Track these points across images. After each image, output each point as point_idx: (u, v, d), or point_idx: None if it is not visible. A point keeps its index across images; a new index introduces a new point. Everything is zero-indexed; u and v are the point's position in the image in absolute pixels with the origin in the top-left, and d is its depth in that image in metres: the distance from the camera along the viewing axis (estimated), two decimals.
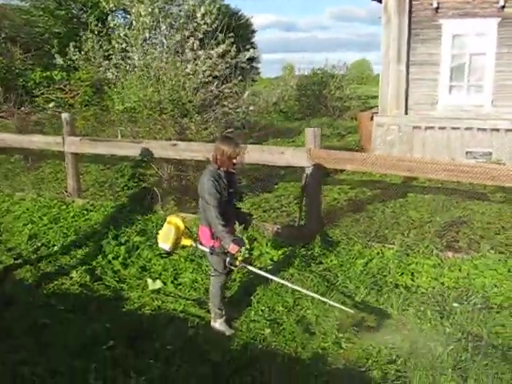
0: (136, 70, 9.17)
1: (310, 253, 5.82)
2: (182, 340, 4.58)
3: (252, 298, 5.18)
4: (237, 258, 4.53)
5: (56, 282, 5.73)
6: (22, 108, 10.84)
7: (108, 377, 4.11)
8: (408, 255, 5.52)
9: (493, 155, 9.60)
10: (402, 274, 5.34)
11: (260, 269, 5.14)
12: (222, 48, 10.87)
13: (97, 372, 4.13)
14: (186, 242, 4.71)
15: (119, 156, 7.88)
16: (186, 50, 10.34)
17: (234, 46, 11.08)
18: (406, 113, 10.21)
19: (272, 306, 5.03)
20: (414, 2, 9.93)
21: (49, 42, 12.34)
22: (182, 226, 4.68)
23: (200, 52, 10.57)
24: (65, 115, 7.46)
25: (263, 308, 4.98)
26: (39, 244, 6.62)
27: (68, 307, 5.24)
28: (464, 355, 4.00)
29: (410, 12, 9.95)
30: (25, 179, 8.90)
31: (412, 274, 5.34)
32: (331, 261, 5.68)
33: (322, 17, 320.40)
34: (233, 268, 4.58)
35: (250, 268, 4.79)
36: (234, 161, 4.47)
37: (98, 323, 4.86)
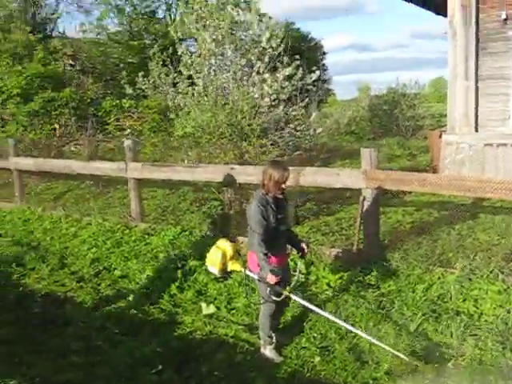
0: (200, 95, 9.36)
1: (367, 278, 5.61)
2: (230, 366, 4.53)
3: (305, 324, 5.04)
4: (285, 287, 4.43)
5: (113, 306, 5.83)
6: (95, 136, 11.31)
7: None
8: (471, 280, 5.19)
9: None
10: (465, 300, 5.00)
11: (309, 299, 5.00)
12: (287, 71, 10.88)
13: None
14: (234, 266, 4.69)
15: (183, 180, 8.03)
16: (253, 74, 10.42)
17: (301, 68, 11.06)
18: (477, 130, 9.76)
19: (324, 332, 4.86)
20: (481, 15, 9.53)
21: (121, 72, 12.81)
22: (229, 251, 4.65)
23: (266, 75, 10.62)
24: (127, 142, 7.69)
25: (315, 335, 4.82)
26: (101, 268, 6.80)
27: (122, 330, 5.32)
28: None
29: (477, 24, 9.56)
30: (93, 204, 9.20)
31: (475, 300, 4.99)
32: (389, 286, 5.43)
33: (400, 36, 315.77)
34: (275, 298, 4.44)
35: (296, 298, 4.61)
36: (283, 186, 4.36)
37: (149, 346, 4.89)
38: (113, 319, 5.56)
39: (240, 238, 6.46)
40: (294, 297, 4.54)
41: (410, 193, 8.79)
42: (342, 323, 4.56)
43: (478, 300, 5.01)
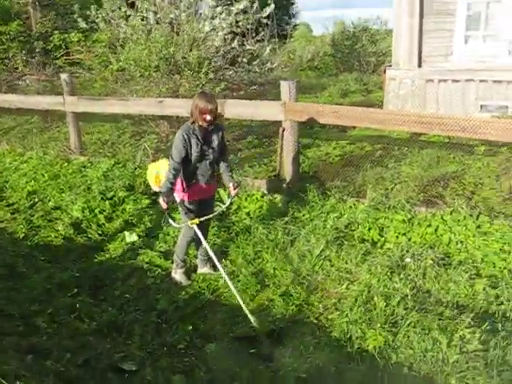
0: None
1: (285, 207, 5.84)
2: (140, 289, 4.77)
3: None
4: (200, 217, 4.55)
5: (43, 235, 6.01)
6: (45, 70, 11.16)
7: (60, 321, 4.36)
8: (379, 209, 5.44)
9: (509, 109, 9.14)
10: (370, 228, 5.27)
11: (228, 227, 5.24)
12: (242, 4, 10.72)
13: (51, 315, 4.40)
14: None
15: (123, 114, 8.05)
16: (203, 6, 10.23)
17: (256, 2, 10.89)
18: (420, 66, 9.83)
19: (234, 258, 5.12)
20: None
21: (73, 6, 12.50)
22: (163, 169, 4.67)
23: (218, 8, 10.46)
24: (64, 76, 7.67)
25: (224, 261, 5.06)
26: (36, 200, 6.92)
27: (48, 258, 5.53)
28: (401, 311, 3.96)
29: None
30: (36, 139, 9.22)
31: (381, 229, 5.26)
32: (303, 215, 5.68)
33: None
34: (174, 225, 4.65)
35: (196, 231, 4.55)
36: (208, 117, 4.37)
37: (69, 272, 5.12)
38: (40, 248, 5.75)
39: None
40: (196, 229, 4.55)
41: (355, 128, 8.93)
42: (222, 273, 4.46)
43: (384, 228, 5.27)
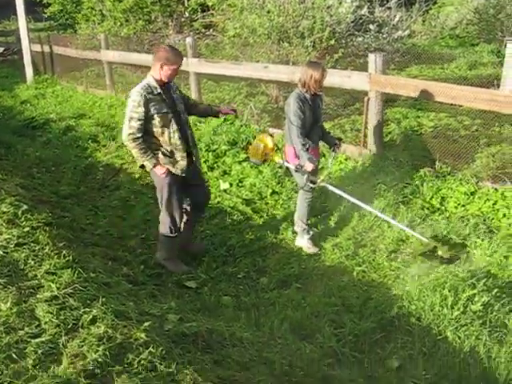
0: None
1: (362, 171, 6.34)
2: (220, 228, 5.64)
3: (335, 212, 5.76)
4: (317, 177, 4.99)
5: None
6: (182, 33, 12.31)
7: (149, 244, 5.37)
8: (445, 181, 5.75)
9: None
10: (432, 197, 5.63)
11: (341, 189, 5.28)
12: None
13: (143, 239, 5.43)
14: (276, 158, 5.18)
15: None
16: None
17: None
18: None
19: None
20: None
21: None
22: (270, 144, 5.11)
23: None
24: (188, 39, 8.66)
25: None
26: None
27: (154, 196, 6.49)
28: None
29: None
30: None
31: (443, 198, 5.61)
32: (377, 179, 6.13)
33: None
34: (312, 186, 4.99)
35: (330, 187, 5.08)
36: (320, 85, 4.82)
37: None
38: (149, 187, 6.75)
39: (272, 130, 7.35)
40: (328, 186, 5.06)
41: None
42: (370, 209, 5.13)
43: (446, 198, 5.61)
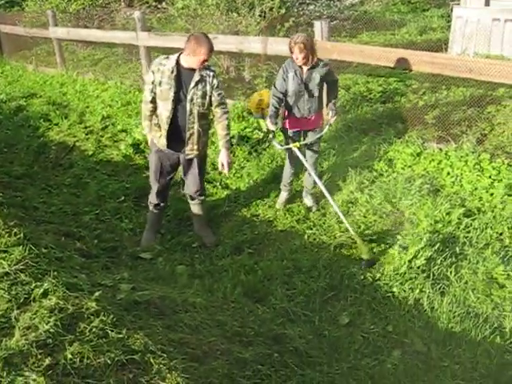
0: None
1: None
2: (174, 199, 5.70)
3: None
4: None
5: (107, 153, 7.09)
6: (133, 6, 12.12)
7: (104, 219, 5.41)
8: (391, 144, 5.92)
9: None
10: (380, 160, 5.80)
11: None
12: None
13: (97, 215, 5.46)
14: (266, 112, 5.06)
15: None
16: None
17: None
18: (487, 4, 9.65)
19: None
20: None
21: None
22: (267, 100, 5.05)
23: None
24: (136, 13, 8.56)
25: None
26: (108, 123, 7.99)
27: (108, 172, 6.58)
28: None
29: None
30: (118, 70, 10.31)
31: (390, 160, 5.78)
32: (328, 144, 6.27)
33: None
34: (279, 147, 5.07)
35: (297, 153, 4.93)
36: (294, 55, 4.69)
37: (121, 184, 6.15)
38: (103, 163, 6.84)
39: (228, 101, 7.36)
40: (297, 151, 4.93)
41: None
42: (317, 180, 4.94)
43: (393, 160, 5.78)
